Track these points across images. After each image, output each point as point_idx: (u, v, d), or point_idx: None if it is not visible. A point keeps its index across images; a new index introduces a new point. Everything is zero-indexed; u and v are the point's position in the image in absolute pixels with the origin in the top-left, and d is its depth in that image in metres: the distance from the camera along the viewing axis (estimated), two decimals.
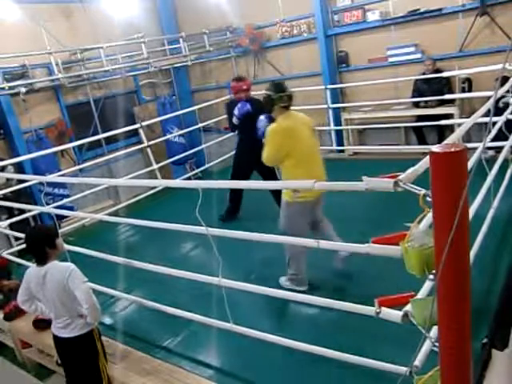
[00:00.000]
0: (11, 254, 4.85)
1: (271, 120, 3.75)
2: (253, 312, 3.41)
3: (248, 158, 4.64)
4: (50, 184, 6.21)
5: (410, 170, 1.87)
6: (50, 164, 6.40)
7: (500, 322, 2.88)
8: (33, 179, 5.31)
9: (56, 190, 6.44)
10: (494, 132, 4.04)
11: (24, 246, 2.88)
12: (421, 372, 1.96)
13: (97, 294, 2.83)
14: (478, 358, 2.56)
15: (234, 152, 5.65)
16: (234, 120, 5.07)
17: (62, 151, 6.95)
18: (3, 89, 6.09)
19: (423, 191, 1.64)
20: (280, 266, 4.09)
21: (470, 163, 1.93)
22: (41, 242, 2.70)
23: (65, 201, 6.14)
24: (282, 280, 3.79)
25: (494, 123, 4.15)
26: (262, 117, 4.07)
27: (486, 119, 3.78)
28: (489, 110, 3.19)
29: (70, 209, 6.39)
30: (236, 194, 5.43)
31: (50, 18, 6.90)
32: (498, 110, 4.35)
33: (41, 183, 5.97)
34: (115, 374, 3.07)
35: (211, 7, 8.29)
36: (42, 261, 2.70)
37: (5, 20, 6.44)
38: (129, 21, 7.75)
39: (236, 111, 4.99)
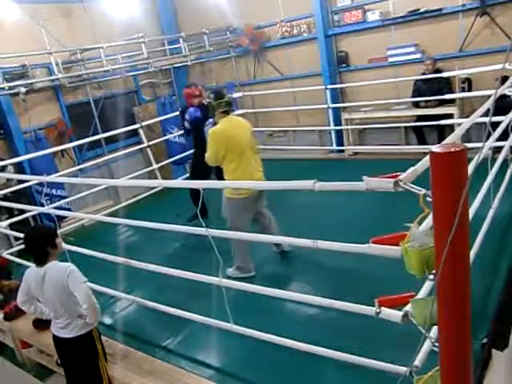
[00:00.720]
0: (11, 254, 4.86)
1: (215, 124, 4.15)
2: (253, 312, 3.41)
3: (202, 160, 4.77)
4: (48, 185, 6.21)
5: (410, 170, 1.87)
6: (48, 165, 6.39)
7: (500, 321, 2.88)
8: (33, 179, 5.31)
9: (54, 191, 6.44)
10: (497, 132, 4.03)
11: (24, 246, 2.88)
12: (421, 372, 1.96)
13: (97, 294, 2.83)
14: (478, 358, 2.56)
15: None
16: (186, 124, 5.20)
17: (62, 151, 6.95)
18: (3, 89, 6.09)
19: (423, 191, 1.64)
20: (279, 265, 4.10)
21: (471, 163, 1.93)
22: (42, 241, 2.70)
23: (62, 202, 6.15)
24: (230, 271, 4.00)
25: (496, 123, 4.14)
26: (210, 120, 4.37)
27: (487, 119, 3.77)
28: (489, 110, 3.19)
29: (67, 210, 6.39)
30: (195, 194, 5.20)
31: (49, 18, 6.90)
32: (502, 110, 4.33)
33: (39, 184, 5.98)
34: (115, 373, 3.07)
35: (211, 7, 8.29)
36: (42, 261, 2.70)
37: (5, 20, 6.44)
38: (129, 21, 7.75)
39: (187, 116, 5.12)
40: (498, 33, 6.07)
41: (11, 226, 5.11)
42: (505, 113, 4.24)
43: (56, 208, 5.47)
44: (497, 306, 3.06)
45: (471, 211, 3.03)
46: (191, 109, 5.04)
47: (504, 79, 4.47)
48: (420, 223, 1.69)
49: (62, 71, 6.70)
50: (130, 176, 6.47)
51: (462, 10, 6.28)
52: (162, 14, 8.88)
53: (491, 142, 3.82)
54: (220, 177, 4.28)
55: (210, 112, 4.04)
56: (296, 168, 7.15)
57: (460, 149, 1.39)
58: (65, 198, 6.41)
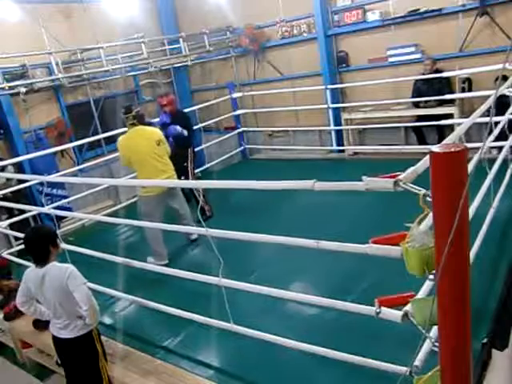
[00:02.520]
0: (11, 254, 4.86)
1: (184, 127, 5.42)
2: (253, 312, 3.41)
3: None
4: (48, 185, 6.22)
5: (409, 170, 1.87)
6: (49, 164, 6.40)
7: (500, 322, 2.88)
8: (33, 179, 5.30)
9: (54, 191, 6.45)
10: (496, 132, 4.03)
11: (25, 246, 2.87)
12: (421, 372, 1.96)
13: (97, 294, 2.83)
14: (478, 358, 2.56)
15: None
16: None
17: (61, 151, 6.95)
18: (3, 89, 6.08)
19: (423, 191, 1.64)
20: (281, 265, 4.10)
21: (471, 163, 1.93)
22: (44, 241, 2.70)
23: (63, 201, 6.15)
24: (148, 259, 4.53)
25: (496, 123, 4.14)
26: (177, 127, 5.35)
27: (487, 119, 3.78)
28: (489, 109, 3.19)
29: (68, 209, 6.40)
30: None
31: (49, 18, 6.90)
32: (501, 110, 4.33)
33: (40, 184, 5.98)
34: (115, 373, 3.07)
35: (211, 7, 8.29)
36: (43, 261, 2.69)
37: (5, 20, 6.44)
38: (129, 21, 7.75)
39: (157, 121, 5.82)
40: (497, 33, 6.07)
41: (11, 226, 5.11)
42: (503, 112, 4.24)
43: (57, 208, 5.49)
44: (497, 306, 3.06)
45: (471, 211, 3.03)
46: (162, 115, 5.64)
47: (504, 79, 4.47)
48: (420, 223, 1.69)
49: (62, 71, 6.69)
50: (130, 176, 6.47)
51: (461, 10, 6.28)
52: (162, 14, 8.88)
53: (492, 142, 3.82)
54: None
55: (123, 124, 4.72)
56: (296, 168, 7.15)
57: (460, 149, 1.39)
58: (66, 197, 6.42)
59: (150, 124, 4.88)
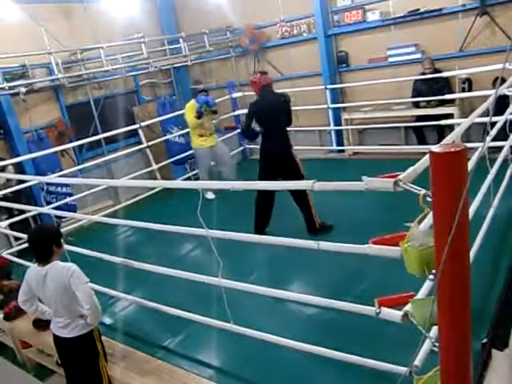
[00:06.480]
0: (11, 254, 4.85)
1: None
2: (253, 312, 3.41)
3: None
4: (53, 183, 6.24)
5: (409, 170, 1.87)
6: (52, 164, 6.41)
7: (500, 321, 2.88)
8: (32, 180, 5.30)
9: (59, 189, 6.46)
10: (494, 131, 4.02)
11: (24, 246, 2.87)
12: (421, 372, 1.96)
13: (97, 294, 2.83)
14: (478, 358, 2.56)
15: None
16: None
17: (61, 151, 6.95)
18: (3, 89, 6.07)
19: (423, 191, 1.64)
20: (281, 265, 4.09)
21: (470, 163, 1.92)
22: (49, 240, 2.70)
23: (68, 199, 6.18)
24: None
25: (495, 123, 4.14)
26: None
27: (487, 119, 3.77)
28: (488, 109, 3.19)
29: (73, 207, 6.43)
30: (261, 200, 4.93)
31: (49, 18, 6.89)
32: (502, 108, 4.32)
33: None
34: (115, 374, 3.07)
35: (211, 7, 8.29)
36: (45, 260, 2.69)
37: (5, 20, 6.43)
38: (129, 21, 7.74)
39: None
40: (498, 33, 6.06)
41: (11, 226, 5.11)
42: (504, 112, 4.23)
43: (61, 206, 5.51)
44: (497, 305, 3.06)
45: (471, 211, 3.02)
46: None
47: (503, 79, 4.46)
48: (420, 223, 1.69)
49: (61, 71, 6.68)
50: (130, 176, 6.48)
51: (462, 10, 6.28)
52: (162, 14, 8.88)
53: (490, 142, 3.82)
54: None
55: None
56: None
57: (460, 149, 1.39)
58: (71, 195, 6.44)
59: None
